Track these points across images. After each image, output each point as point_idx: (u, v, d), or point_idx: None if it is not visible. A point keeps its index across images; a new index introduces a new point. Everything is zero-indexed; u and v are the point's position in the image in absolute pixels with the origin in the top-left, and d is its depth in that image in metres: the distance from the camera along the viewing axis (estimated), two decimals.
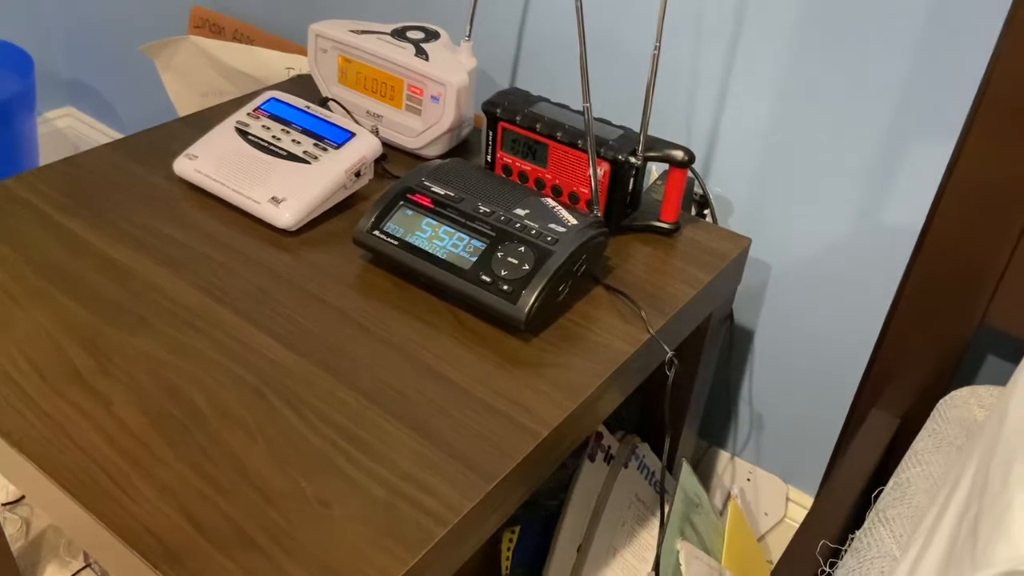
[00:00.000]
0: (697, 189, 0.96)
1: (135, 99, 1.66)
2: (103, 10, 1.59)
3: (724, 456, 1.13)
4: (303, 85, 1.06)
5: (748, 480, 1.11)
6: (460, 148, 0.98)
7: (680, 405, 0.96)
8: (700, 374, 0.95)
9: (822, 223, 0.91)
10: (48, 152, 1.78)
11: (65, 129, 1.83)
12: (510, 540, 0.86)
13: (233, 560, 0.53)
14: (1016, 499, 0.36)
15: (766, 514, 1.11)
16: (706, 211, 0.96)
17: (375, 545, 0.54)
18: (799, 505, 1.09)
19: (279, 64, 1.20)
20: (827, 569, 0.67)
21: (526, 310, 0.70)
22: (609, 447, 0.94)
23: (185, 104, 1.34)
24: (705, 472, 1.15)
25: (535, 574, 0.85)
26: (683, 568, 0.88)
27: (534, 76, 1.06)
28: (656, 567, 0.77)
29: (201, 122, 0.98)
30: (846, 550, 0.62)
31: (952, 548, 0.39)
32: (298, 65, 1.18)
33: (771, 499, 1.10)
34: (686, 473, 0.97)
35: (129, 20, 1.55)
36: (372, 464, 0.60)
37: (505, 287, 0.71)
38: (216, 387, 0.65)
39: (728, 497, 1.09)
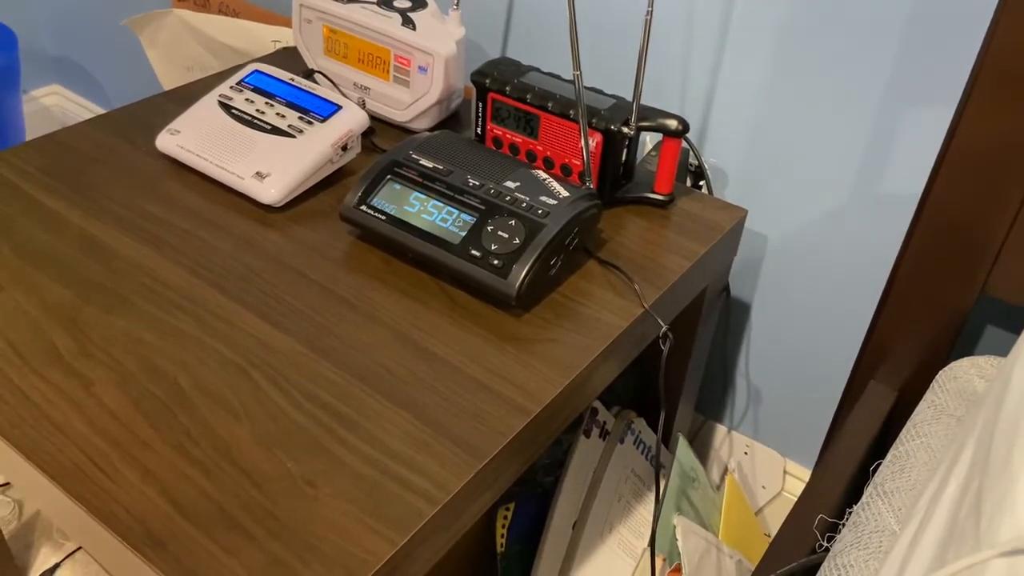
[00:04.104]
0: (692, 160, 0.94)
1: (122, 76, 1.63)
2: None
3: (721, 430, 1.12)
4: (289, 58, 1.03)
5: (745, 454, 1.10)
6: (450, 120, 0.96)
7: (676, 379, 0.95)
8: (696, 348, 0.93)
9: (820, 193, 0.90)
10: (35, 130, 1.76)
11: (52, 107, 1.80)
12: (505, 517, 0.85)
13: (216, 542, 0.51)
14: (1021, 475, 0.35)
15: (764, 487, 1.10)
16: (701, 182, 0.94)
17: (363, 525, 0.53)
18: (797, 478, 1.09)
19: (265, 37, 1.17)
20: (825, 543, 0.66)
21: (517, 285, 0.69)
22: (605, 423, 0.92)
23: (170, 79, 1.31)
24: (702, 446, 1.14)
25: (530, 551, 0.85)
26: (679, 543, 0.87)
27: (525, 45, 1.03)
28: (652, 543, 0.77)
29: (185, 96, 0.96)
30: (844, 524, 0.61)
31: (953, 524, 0.38)
32: (284, 38, 1.16)
33: (769, 473, 1.09)
34: (682, 448, 0.96)
35: None
36: (359, 443, 0.59)
37: (495, 262, 0.70)
38: (200, 367, 0.63)
39: (725, 471, 1.08)
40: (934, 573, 0.33)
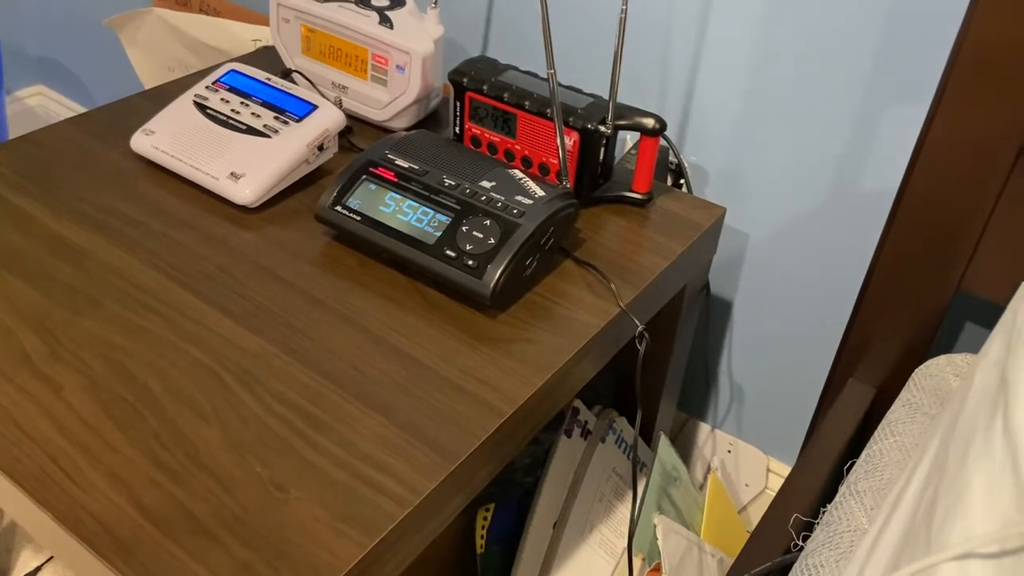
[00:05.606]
0: (672, 158, 0.94)
1: (106, 76, 1.62)
2: None
3: (704, 428, 1.12)
4: (268, 57, 1.03)
5: (728, 452, 1.10)
6: (429, 120, 0.95)
7: (657, 378, 0.95)
8: (676, 346, 0.93)
9: (799, 191, 0.89)
10: (18, 131, 1.74)
11: (36, 107, 1.79)
12: (484, 518, 0.85)
13: (183, 548, 0.51)
14: (974, 479, 0.34)
15: (747, 485, 1.10)
16: (681, 180, 0.94)
17: (332, 529, 0.53)
18: (780, 476, 1.09)
19: (246, 36, 1.17)
20: (800, 543, 0.66)
21: (492, 285, 0.69)
22: (586, 422, 0.92)
23: (151, 79, 1.31)
24: (685, 445, 1.14)
25: (510, 552, 0.84)
26: (660, 542, 0.87)
27: (505, 44, 1.03)
28: (629, 542, 0.76)
29: (162, 96, 0.95)
30: (818, 523, 0.61)
31: (910, 526, 0.37)
32: (265, 37, 1.15)
33: (752, 470, 1.09)
34: (664, 446, 0.96)
35: None
36: (331, 446, 0.58)
37: (470, 262, 0.69)
38: (170, 370, 0.63)
39: (708, 469, 1.08)
40: None
